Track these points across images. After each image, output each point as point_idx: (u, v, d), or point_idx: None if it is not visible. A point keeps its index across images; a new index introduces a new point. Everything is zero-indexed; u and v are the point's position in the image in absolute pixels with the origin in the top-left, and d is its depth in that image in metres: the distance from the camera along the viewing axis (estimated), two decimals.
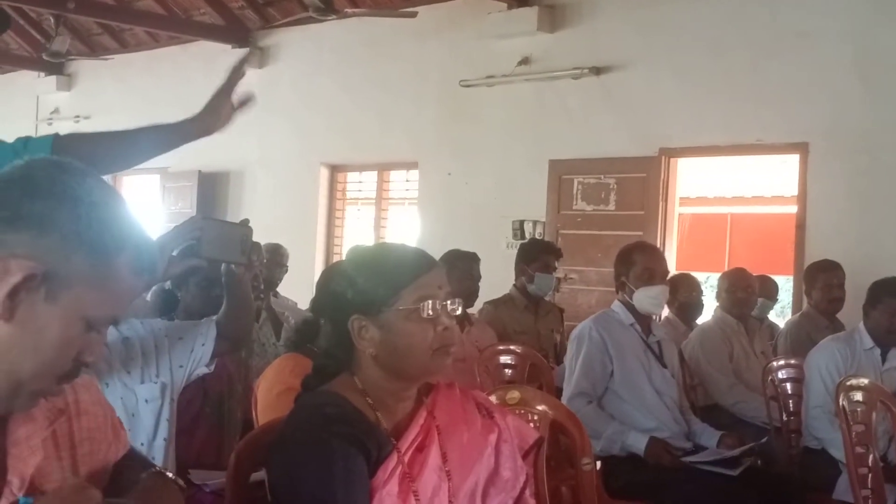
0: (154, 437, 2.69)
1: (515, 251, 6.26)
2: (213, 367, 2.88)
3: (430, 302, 1.95)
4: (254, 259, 2.76)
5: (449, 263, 5.18)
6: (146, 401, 2.68)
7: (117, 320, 1.38)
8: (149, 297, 4.51)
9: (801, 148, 6.82)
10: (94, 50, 12.10)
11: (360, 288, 1.98)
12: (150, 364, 2.73)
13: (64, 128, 10.84)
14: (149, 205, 11.39)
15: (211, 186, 10.67)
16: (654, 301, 4.23)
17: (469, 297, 5.29)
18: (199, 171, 10.64)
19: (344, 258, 2.17)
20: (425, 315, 1.94)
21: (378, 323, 1.96)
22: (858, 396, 3.81)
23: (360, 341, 1.97)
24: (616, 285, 4.33)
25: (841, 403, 3.73)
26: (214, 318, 2.86)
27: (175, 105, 11.16)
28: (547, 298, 6.31)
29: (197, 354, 2.80)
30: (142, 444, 2.65)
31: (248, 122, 10.42)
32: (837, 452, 4.07)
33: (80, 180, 1.36)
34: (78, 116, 12.28)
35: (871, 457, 3.75)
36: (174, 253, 2.44)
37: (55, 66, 12.42)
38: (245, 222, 2.62)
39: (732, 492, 3.76)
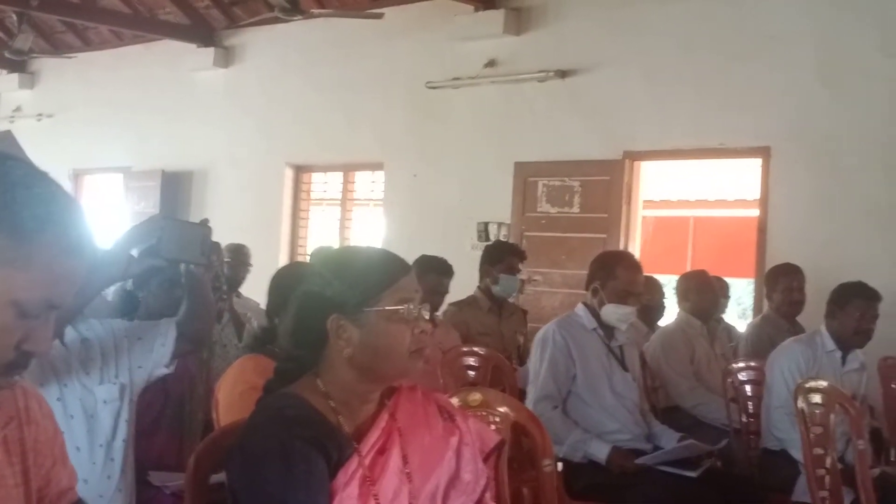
0: (113, 439, 2.66)
1: (480, 253, 6.28)
2: (173, 368, 2.85)
3: (410, 304, 1.97)
4: (213, 259, 2.74)
5: (420, 270, 5.17)
6: (105, 402, 2.66)
7: (53, 304, 1.33)
8: (110, 297, 4.49)
9: (763, 152, 6.88)
10: (57, 48, 11.99)
11: (338, 288, 1.97)
12: (109, 364, 2.70)
13: (26, 126, 10.79)
14: (112, 204, 11.31)
15: (174, 186, 10.60)
16: (621, 319, 4.23)
17: (432, 310, 5.23)
18: (163, 171, 10.57)
19: (309, 260, 2.17)
20: (405, 317, 1.96)
21: (357, 323, 1.96)
22: (817, 399, 3.84)
23: (337, 341, 1.97)
24: (587, 286, 4.30)
25: (800, 405, 3.77)
26: (175, 318, 2.85)
27: (139, 104, 11.15)
28: (511, 300, 6.33)
29: (157, 355, 2.78)
30: (100, 446, 2.63)
31: (212, 121, 10.39)
32: (797, 453, 4.11)
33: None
34: (40, 114, 12.19)
35: (828, 458, 3.79)
36: (134, 253, 2.42)
37: (18, 64, 12.31)
38: (205, 222, 2.60)
39: (692, 493, 3.79)
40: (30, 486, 1.57)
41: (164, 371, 2.84)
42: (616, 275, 4.20)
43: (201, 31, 10.44)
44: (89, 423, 2.62)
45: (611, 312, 4.18)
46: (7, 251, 1.28)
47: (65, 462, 1.67)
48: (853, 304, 4.63)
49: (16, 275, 1.28)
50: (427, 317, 2.02)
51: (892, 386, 5.53)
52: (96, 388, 2.66)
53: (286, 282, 3.24)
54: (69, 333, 2.68)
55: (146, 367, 2.78)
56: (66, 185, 9.66)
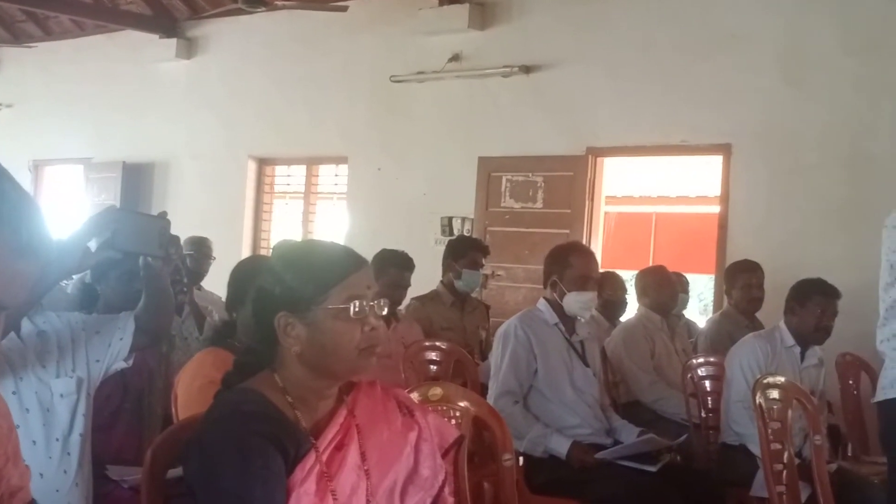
0: (70, 433, 2.63)
1: (444, 247, 6.28)
2: (131, 362, 2.82)
3: (358, 302, 1.94)
4: (172, 252, 2.72)
5: (380, 264, 5.16)
6: (61, 395, 2.63)
7: (2, 305, 1.31)
8: (69, 290, 4.44)
9: (724, 149, 6.93)
10: (17, 37, 11.84)
11: (287, 285, 1.97)
12: (65, 358, 2.67)
13: None
14: (72, 196, 11.19)
15: (136, 178, 10.50)
16: (584, 306, 4.27)
17: (394, 305, 5.22)
18: (124, 162, 10.47)
19: (270, 254, 2.15)
20: (353, 315, 1.94)
21: (305, 321, 1.95)
22: (775, 394, 3.88)
23: (285, 338, 1.96)
24: (545, 282, 4.34)
25: (758, 401, 3.81)
26: (133, 312, 2.82)
27: (100, 95, 11.02)
28: (474, 295, 6.33)
29: (115, 349, 2.75)
30: (57, 440, 2.60)
31: (175, 112, 10.28)
32: (756, 448, 4.14)
33: None
34: (0, 104, 12.03)
35: (786, 453, 3.84)
36: (92, 245, 2.40)
37: None
38: (163, 215, 2.58)
39: (652, 487, 3.82)
40: None
41: (122, 365, 2.81)
42: (570, 263, 4.24)
43: (164, 22, 10.35)
44: (45, 416, 2.59)
45: (573, 301, 4.20)
46: None
47: (17, 461, 1.66)
48: (814, 301, 4.68)
49: None
50: (383, 313, 2.00)
51: (850, 382, 5.60)
52: (53, 381, 2.63)
53: (245, 275, 3.22)
54: (25, 326, 2.65)
55: (104, 361, 2.75)
56: (26, 176, 9.50)
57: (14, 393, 2.52)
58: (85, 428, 2.67)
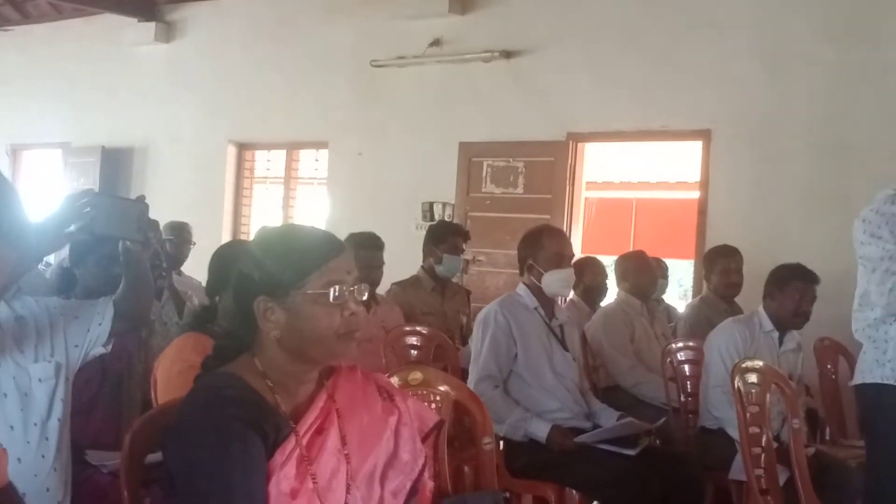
0: (48, 418, 2.62)
1: (424, 233, 6.27)
2: (110, 347, 2.81)
3: (337, 287, 1.94)
4: (151, 237, 2.70)
5: (351, 248, 5.14)
6: (39, 380, 2.61)
7: None
8: (48, 275, 4.42)
9: (704, 135, 6.95)
10: None
11: (267, 270, 1.96)
12: (44, 342, 2.65)
13: None
14: (50, 180, 11.12)
15: (115, 162, 10.43)
16: (563, 284, 4.30)
17: (371, 286, 5.21)
18: (103, 147, 10.40)
19: (252, 239, 2.14)
20: (333, 300, 1.93)
21: (284, 305, 1.94)
22: (753, 378, 3.90)
23: (264, 323, 1.96)
24: (521, 268, 4.36)
25: (736, 385, 3.82)
26: (112, 297, 2.81)
27: (78, 78, 10.91)
28: (455, 280, 6.34)
29: (93, 334, 2.73)
30: (35, 425, 2.58)
31: (154, 97, 10.20)
32: (734, 432, 4.16)
33: None
34: None
35: (764, 437, 3.86)
36: (70, 229, 2.38)
37: None
38: (141, 199, 2.56)
39: (631, 471, 3.84)
40: None
41: (101, 350, 2.79)
42: (543, 244, 4.27)
43: (142, 5, 10.25)
44: (23, 401, 2.57)
45: (551, 280, 4.21)
46: None
47: None
48: (793, 286, 4.70)
49: None
50: (363, 298, 2.00)
51: (828, 366, 5.63)
52: (31, 366, 2.61)
53: (225, 260, 3.21)
54: (2, 311, 2.63)
55: (82, 346, 2.73)
56: (4, 160, 9.40)
57: None
58: (63, 413, 2.66)
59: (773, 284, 4.77)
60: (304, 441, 1.93)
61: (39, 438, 2.58)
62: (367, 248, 5.28)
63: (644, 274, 5.82)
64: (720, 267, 5.80)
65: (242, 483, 1.80)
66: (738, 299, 5.82)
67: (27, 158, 11.92)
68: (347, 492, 1.94)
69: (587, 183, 7.99)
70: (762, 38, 6.74)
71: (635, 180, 10.29)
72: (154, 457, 2.08)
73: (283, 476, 1.86)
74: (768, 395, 3.92)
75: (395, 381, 2.70)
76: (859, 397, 3.56)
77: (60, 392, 2.66)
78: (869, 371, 3.43)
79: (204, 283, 3.55)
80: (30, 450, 2.55)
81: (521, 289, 4.33)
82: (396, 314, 5.44)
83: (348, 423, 2.01)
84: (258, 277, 1.97)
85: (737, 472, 4.23)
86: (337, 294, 1.94)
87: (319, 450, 1.94)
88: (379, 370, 2.75)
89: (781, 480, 3.86)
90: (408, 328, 5.24)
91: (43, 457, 2.57)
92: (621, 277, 5.88)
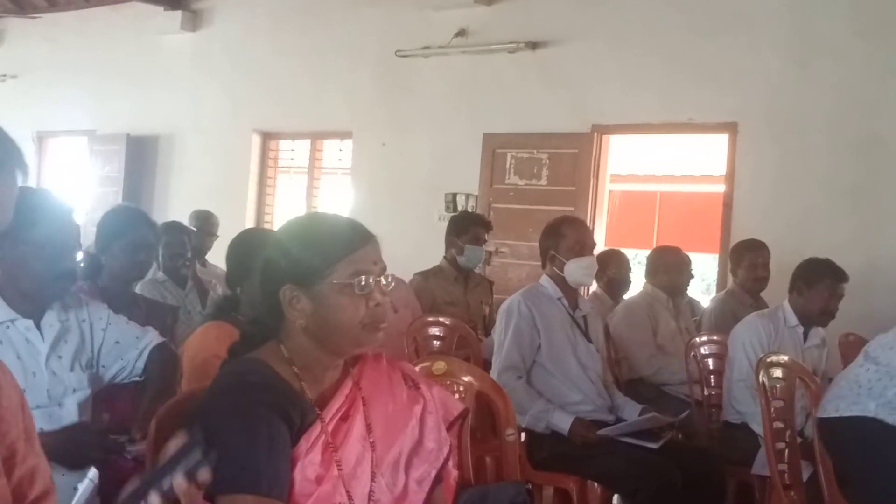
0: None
1: (447, 224, 6.27)
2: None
3: (363, 277, 1.94)
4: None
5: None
6: (74, 390, 2.63)
7: None
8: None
9: (731, 128, 6.91)
10: (22, 8, 11.77)
11: (293, 258, 1.96)
12: (83, 353, 2.69)
13: None
14: (76, 168, 11.18)
15: (140, 150, 10.48)
16: (585, 272, 4.27)
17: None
18: (128, 135, 10.45)
19: (280, 227, 2.13)
20: (358, 290, 1.93)
21: (310, 294, 1.94)
22: (778, 373, 3.88)
23: (290, 311, 1.96)
24: (543, 259, 4.34)
25: (761, 379, 3.80)
26: (157, 342, 2.91)
27: (104, 66, 10.94)
28: (477, 271, 6.33)
29: (127, 365, 2.84)
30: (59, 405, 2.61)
31: (179, 85, 10.22)
32: (758, 427, 4.14)
33: None
34: (4, 75, 12.01)
35: (788, 432, 3.84)
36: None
37: None
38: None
39: (653, 464, 3.82)
40: None
41: (135, 379, 2.86)
42: (564, 234, 4.25)
43: None
44: (54, 412, 2.58)
45: (574, 269, 4.20)
46: None
47: (31, 439, 1.63)
48: (823, 284, 4.64)
49: None
50: (389, 289, 1.99)
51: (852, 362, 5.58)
52: (66, 374, 2.63)
53: (243, 250, 3.20)
54: (48, 315, 2.65)
55: (110, 369, 2.81)
56: (30, 147, 9.46)
57: (24, 390, 2.48)
58: (88, 415, 2.69)
59: (802, 280, 4.71)
60: (330, 428, 1.93)
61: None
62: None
63: (680, 271, 5.74)
64: (748, 261, 5.75)
65: (268, 468, 1.80)
66: (763, 294, 5.78)
67: (53, 146, 11.99)
68: (372, 479, 1.94)
69: (611, 175, 7.96)
70: (790, 32, 6.68)
71: (660, 173, 10.24)
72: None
73: (309, 462, 1.87)
74: (793, 390, 3.90)
75: (418, 370, 2.70)
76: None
77: (89, 401, 2.68)
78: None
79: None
80: None
81: (545, 280, 4.32)
82: (406, 293, 5.41)
83: (374, 410, 2.01)
84: (284, 265, 1.97)
85: (760, 466, 4.21)
86: (363, 284, 1.93)
87: (345, 437, 1.94)
88: (402, 360, 2.75)
89: (805, 476, 3.84)
90: (430, 318, 5.24)
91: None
92: (653, 271, 5.77)
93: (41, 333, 2.61)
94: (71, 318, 2.70)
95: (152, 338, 2.94)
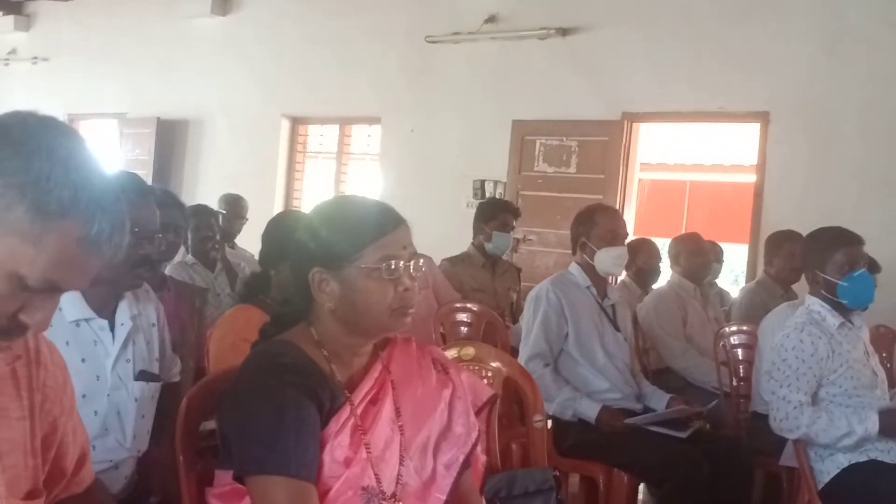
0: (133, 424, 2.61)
1: (475, 210, 6.26)
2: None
3: (392, 262, 1.93)
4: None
5: None
6: (135, 399, 2.55)
7: (58, 287, 1.32)
8: None
9: (763, 117, 6.86)
10: None
11: (322, 241, 1.96)
12: (147, 362, 2.66)
13: (21, 69, 10.63)
14: (106, 150, 11.24)
15: (170, 134, 10.53)
16: (616, 261, 4.24)
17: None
18: (158, 118, 10.50)
19: (311, 209, 2.12)
20: (387, 275, 1.92)
21: (339, 278, 1.94)
22: None
23: (319, 294, 1.96)
24: (573, 246, 4.32)
25: None
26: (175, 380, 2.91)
27: (134, 50, 10.97)
28: (505, 258, 6.32)
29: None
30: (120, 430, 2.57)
31: (209, 69, 10.25)
32: None
33: (53, 136, 1.32)
34: (36, 57, 12.07)
35: None
36: None
37: (13, 6, 12.18)
38: None
39: (680, 454, 3.80)
40: (34, 423, 1.56)
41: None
42: (596, 221, 4.22)
43: None
44: (114, 419, 2.53)
45: (605, 258, 4.17)
46: (24, 223, 1.27)
47: (71, 414, 1.67)
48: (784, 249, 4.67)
49: (23, 248, 1.28)
50: (418, 274, 1.99)
51: (884, 354, 5.53)
52: (130, 383, 2.58)
53: (278, 230, 3.23)
54: (121, 313, 2.56)
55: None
56: None
57: (84, 396, 2.40)
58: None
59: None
60: (359, 411, 1.93)
61: (122, 439, 2.57)
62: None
63: (697, 257, 5.76)
64: (786, 250, 5.68)
65: (297, 450, 1.80)
66: (794, 286, 5.73)
67: (84, 128, 12.05)
68: (401, 462, 1.94)
69: (641, 164, 7.92)
70: (821, 21, 6.62)
71: (689, 162, 10.18)
72: (208, 424, 2.08)
73: (338, 444, 1.87)
74: None
75: (447, 355, 2.69)
76: None
77: (151, 416, 2.66)
78: None
79: (257, 256, 3.56)
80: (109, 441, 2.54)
81: (574, 268, 4.30)
82: (432, 269, 5.42)
83: (403, 394, 2.01)
84: (314, 248, 1.97)
85: (788, 458, 4.17)
86: (392, 269, 1.93)
87: (374, 420, 1.94)
88: (432, 344, 2.74)
89: None
90: (458, 305, 5.24)
91: (120, 445, 2.56)
92: (674, 259, 5.83)
93: (113, 335, 2.53)
94: (141, 315, 2.65)
95: (176, 373, 2.93)
